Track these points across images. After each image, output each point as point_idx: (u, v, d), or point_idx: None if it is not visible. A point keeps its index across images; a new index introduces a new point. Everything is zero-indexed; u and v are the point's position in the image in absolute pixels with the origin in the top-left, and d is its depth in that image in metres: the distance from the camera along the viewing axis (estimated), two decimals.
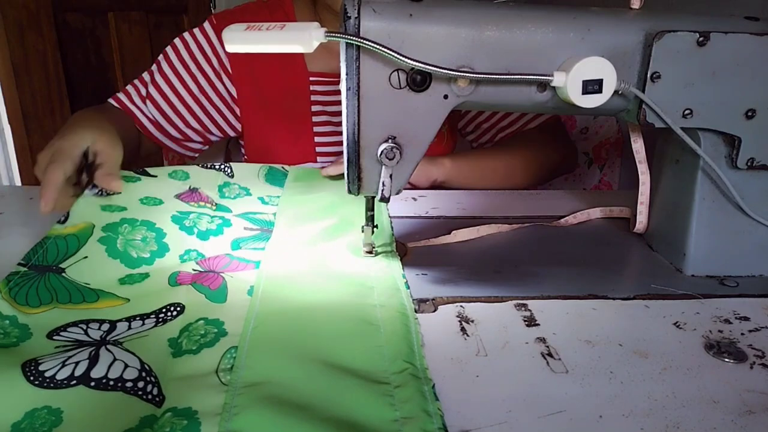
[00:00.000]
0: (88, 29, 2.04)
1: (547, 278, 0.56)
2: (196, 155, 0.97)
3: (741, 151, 0.53)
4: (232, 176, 0.77)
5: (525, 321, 0.48)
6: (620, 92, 0.49)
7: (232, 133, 0.95)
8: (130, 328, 0.46)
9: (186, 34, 0.90)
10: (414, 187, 0.82)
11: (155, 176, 0.70)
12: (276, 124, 0.91)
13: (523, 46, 0.49)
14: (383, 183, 0.51)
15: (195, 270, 0.54)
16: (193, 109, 0.90)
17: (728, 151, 0.54)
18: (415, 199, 0.77)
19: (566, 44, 0.49)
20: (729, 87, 0.51)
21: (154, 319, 0.47)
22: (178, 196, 0.67)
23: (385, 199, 0.51)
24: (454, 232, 0.65)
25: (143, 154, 0.94)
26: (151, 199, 0.65)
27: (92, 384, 0.39)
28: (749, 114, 0.52)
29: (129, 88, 0.90)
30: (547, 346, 0.45)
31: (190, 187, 0.70)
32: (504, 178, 0.88)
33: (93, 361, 0.41)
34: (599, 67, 0.47)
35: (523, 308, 0.50)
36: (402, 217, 0.71)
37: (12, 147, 2.04)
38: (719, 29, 0.50)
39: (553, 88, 0.49)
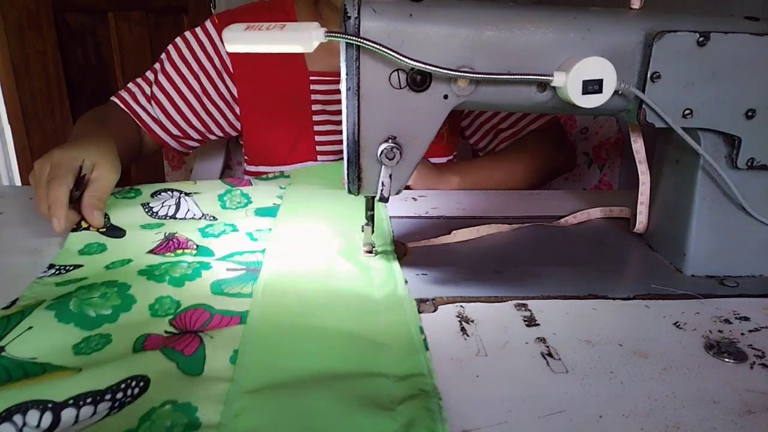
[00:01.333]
0: (88, 29, 2.04)
1: (547, 278, 0.56)
2: (194, 149, 0.98)
3: (741, 151, 0.53)
4: (216, 219, 0.67)
5: (525, 321, 0.48)
6: (620, 92, 0.49)
7: (232, 133, 0.96)
8: (77, 420, 0.36)
9: (188, 33, 0.91)
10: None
11: (123, 234, 0.61)
12: (277, 124, 0.91)
13: (523, 46, 0.49)
14: (383, 183, 0.51)
15: (168, 333, 0.45)
16: (195, 108, 0.91)
17: (728, 151, 0.54)
18: (415, 199, 0.77)
19: (566, 44, 0.49)
20: (729, 87, 0.51)
21: (110, 402, 0.37)
22: (151, 251, 0.58)
23: (384, 199, 0.51)
24: (454, 232, 0.65)
25: (145, 154, 0.94)
26: (119, 262, 0.55)
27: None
28: (749, 114, 0.52)
29: (132, 87, 0.91)
30: (547, 346, 0.45)
31: (165, 235, 0.61)
32: (507, 187, 0.90)
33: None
34: (599, 67, 0.47)
35: (523, 308, 0.50)
36: (402, 217, 0.71)
37: (12, 147, 2.04)
38: (719, 29, 0.50)
39: (553, 88, 0.49)
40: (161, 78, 0.89)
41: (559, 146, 0.99)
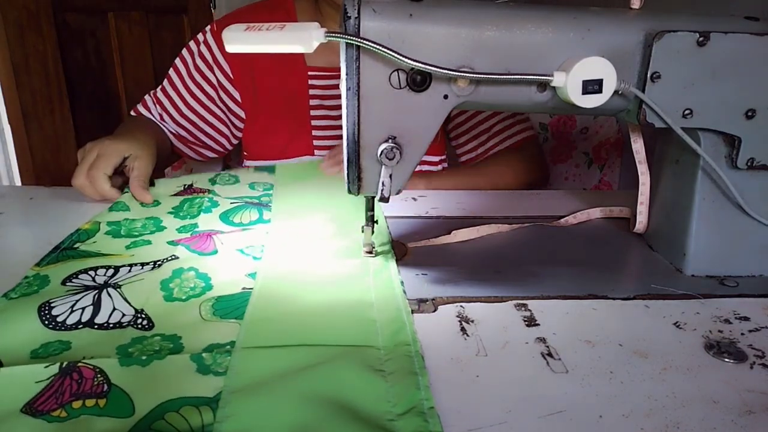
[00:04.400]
0: (88, 29, 2.04)
1: (547, 278, 0.56)
2: (215, 156, 1.02)
3: (741, 151, 0.53)
4: (152, 325, 0.50)
5: (525, 321, 0.48)
6: (620, 92, 0.49)
7: (240, 135, 0.98)
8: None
9: (192, 44, 0.93)
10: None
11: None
12: (275, 119, 0.92)
13: (523, 46, 0.49)
14: (383, 183, 0.51)
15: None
16: (208, 119, 0.94)
17: (728, 151, 0.54)
18: (415, 199, 0.77)
19: (566, 44, 0.49)
20: (729, 87, 0.51)
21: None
22: (30, 406, 0.42)
23: (384, 199, 0.51)
24: (454, 232, 0.65)
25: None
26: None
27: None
28: (749, 114, 0.52)
29: (148, 100, 0.94)
30: (547, 346, 0.45)
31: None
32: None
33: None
34: (599, 67, 0.47)
35: (523, 308, 0.50)
36: (402, 217, 0.71)
37: (12, 147, 2.04)
38: (719, 29, 0.50)
39: (553, 88, 0.49)
40: (171, 93, 0.93)
41: (532, 167, 0.98)
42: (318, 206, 0.70)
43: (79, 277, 0.52)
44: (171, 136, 0.94)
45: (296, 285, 0.52)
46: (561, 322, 0.48)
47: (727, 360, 0.44)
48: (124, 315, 0.47)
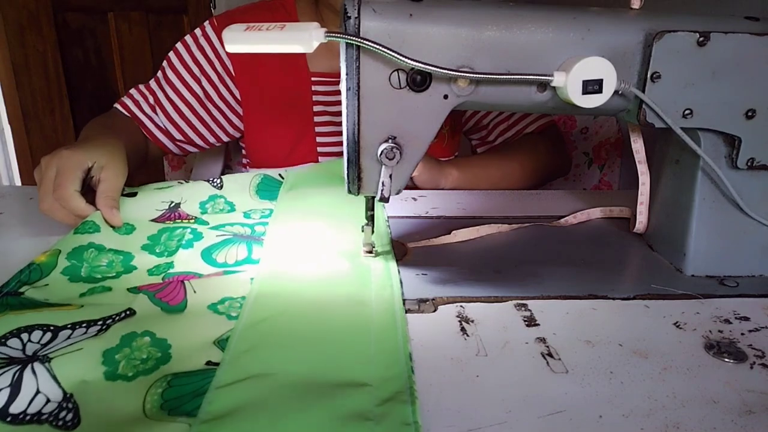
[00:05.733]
0: (88, 29, 2.04)
1: (547, 278, 0.56)
2: (195, 151, 0.98)
3: (741, 151, 0.53)
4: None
5: (525, 321, 0.48)
6: (620, 92, 0.49)
7: (236, 135, 0.96)
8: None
9: (188, 38, 0.90)
10: (416, 188, 0.83)
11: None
12: (278, 125, 0.91)
13: (523, 46, 0.49)
14: (383, 183, 0.51)
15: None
16: (200, 114, 0.91)
17: (728, 151, 0.54)
18: (415, 199, 0.77)
19: (566, 44, 0.49)
20: (729, 87, 0.51)
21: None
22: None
23: (384, 199, 0.51)
24: (454, 232, 0.65)
25: (151, 159, 0.94)
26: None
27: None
28: (749, 114, 0.52)
29: (135, 94, 0.90)
30: (547, 346, 0.45)
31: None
32: (505, 185, 0.91)
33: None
34: (599, 67, 0.47)
35: (523, 308, 0.50)
36: (402, 217, 0.71)
37: (12, 147, 2.04)
38: (719, 29, 0.50)
39: (553, 88, 0.49)
40: (164, 85, 0.89)
41: (556, 150, 1.00)
42: (317, 236, 0.62)
43: (8, 343, 0.41)
44: (155, 130, 0.90)
45: (273, 357, 0.42)
46: (561, 322, 0.48)
47: (727, 360, 0.44)
48: (48, 401, 0.37)
